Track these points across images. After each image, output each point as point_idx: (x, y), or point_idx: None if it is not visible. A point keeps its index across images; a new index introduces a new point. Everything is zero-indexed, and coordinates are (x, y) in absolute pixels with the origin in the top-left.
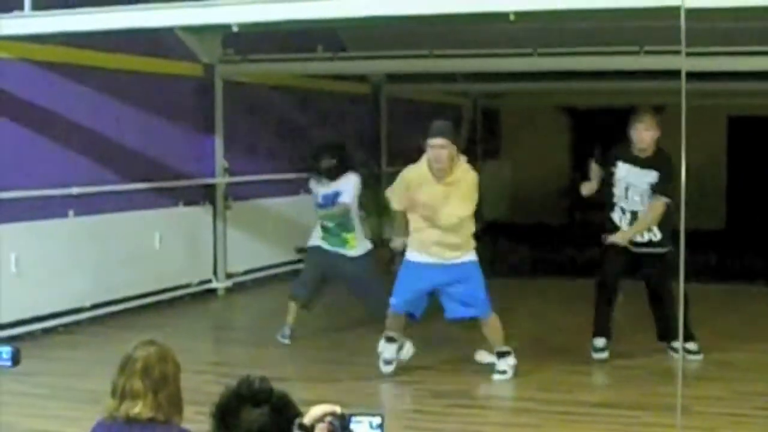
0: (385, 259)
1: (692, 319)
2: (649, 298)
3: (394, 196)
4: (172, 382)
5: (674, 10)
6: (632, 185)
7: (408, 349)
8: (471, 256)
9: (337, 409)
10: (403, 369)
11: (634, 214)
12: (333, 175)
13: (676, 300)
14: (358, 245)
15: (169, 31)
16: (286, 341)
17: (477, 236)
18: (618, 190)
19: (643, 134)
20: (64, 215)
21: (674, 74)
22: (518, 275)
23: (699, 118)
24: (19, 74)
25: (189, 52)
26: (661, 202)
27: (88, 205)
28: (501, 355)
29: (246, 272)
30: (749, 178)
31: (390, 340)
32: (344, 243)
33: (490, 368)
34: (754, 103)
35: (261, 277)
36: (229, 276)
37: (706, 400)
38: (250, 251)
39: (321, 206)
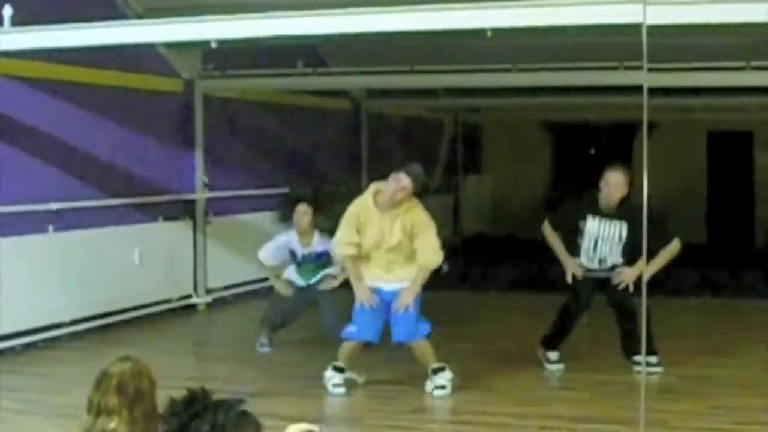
0: None
1: (657, 334)
2: (617, 316)
3: (342, 240)
4: (148, 398)
5: (636, 27)
6: (602, 238)
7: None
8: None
9: (315, 429)
10: (382, 384)
11: (603, 261)
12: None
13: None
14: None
15: (149, 46)
16: (266, 350)
17: (458, 250)
18: (586, 243)
19: (613, 192)
20: (44, 231)
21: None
22: (499, 289)
23: (680, 134)
24: None
25: (169, 67)
26: (677, 243)
27: (67, 221)
28: (435, 371)
29: (226, 288)
30: (730, 192)
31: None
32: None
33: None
34: (734, 119)
35: (241, 292)
36: (209, 292)
37: (685, 414)
38: (230, 267)
39: (299, 263)
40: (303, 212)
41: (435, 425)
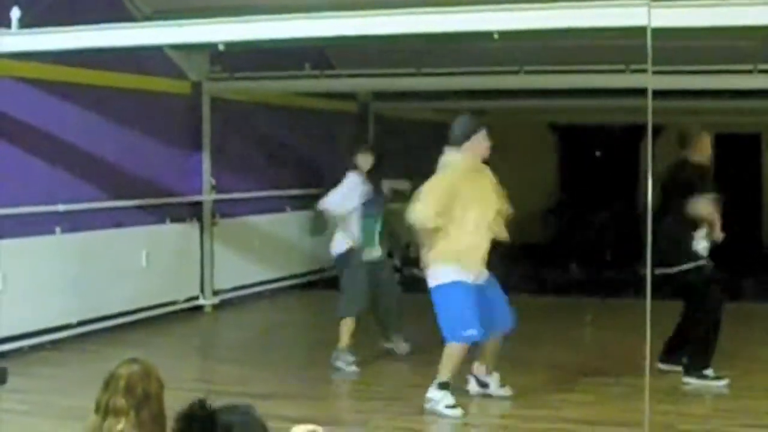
0: None
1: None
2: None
3: (428, 209)
4: (155, 400)
5: (641, 30)
6: None
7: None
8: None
9: (319, 430)
10: (389, 386)
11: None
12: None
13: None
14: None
15: (156, 48)
16: (353, 368)
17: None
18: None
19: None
20: (51, 232)
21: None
22: (506, 293)
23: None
24: (6, 92)
25: (177, 69)
26: None
27: (74, 222)
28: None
29: (233, 289)
30: (737, 194)
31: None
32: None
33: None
34: (742, 121)
35: (248, 294)
36: (216, 293)
37: (690, 417)
38: (237, 268)
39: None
40: (367, 155)
41: (443, 427)
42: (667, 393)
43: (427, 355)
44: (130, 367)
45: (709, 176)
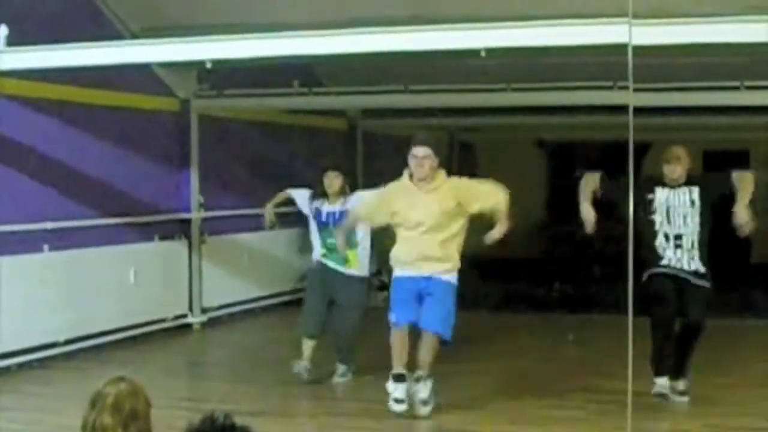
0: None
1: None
2: (682, 333)
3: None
4: (143, 418)
5: (623, 48)
6: (673, 207)
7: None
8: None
9: None
10: (379, 404)
11: (679, 238)
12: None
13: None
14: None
15: (144, 66)
16: (306, 375)
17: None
18: (659, 217)
19: (677, 166)
20: (39, 250)
21: (653, 110)
22: (494, 309)
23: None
24: None
25: (164, 87)
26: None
27: (62, 240)
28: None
29: (221, 307)
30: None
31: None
32: (346, 261)
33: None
34: (730, 138)
35: (236, 311)
36: (204, 311)
37: None
38: (225, 286)
39: (322, 223)
40: (335, 176)
41: None
42: (656, 409)
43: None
44: (117, 385)
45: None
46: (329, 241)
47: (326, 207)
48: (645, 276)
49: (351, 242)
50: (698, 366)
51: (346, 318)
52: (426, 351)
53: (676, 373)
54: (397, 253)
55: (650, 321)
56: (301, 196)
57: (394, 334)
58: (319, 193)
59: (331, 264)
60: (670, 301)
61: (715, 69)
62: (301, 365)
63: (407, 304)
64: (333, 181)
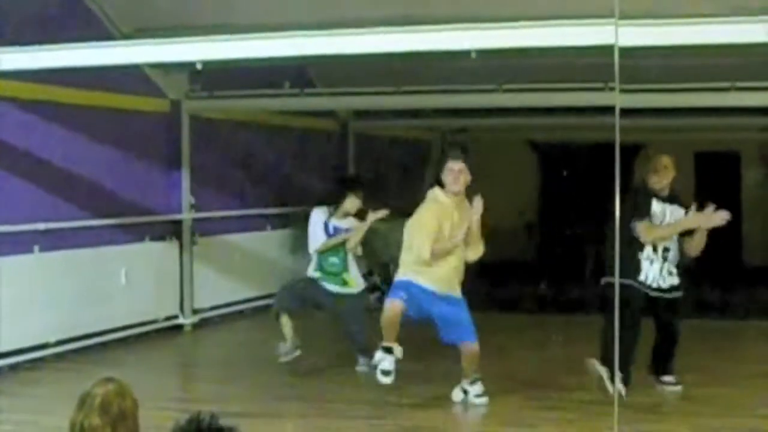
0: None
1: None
2: (661, 336)
3: (425, 243)
4: (131, 418)
5: (608, 49)
6: (667, 222)
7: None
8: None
9: None
10: (371, 405)
11: (667, 251)
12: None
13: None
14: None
15: (135, 67)
16: (289, 357)
17: None
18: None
19: (665, 175)
20: (30, 251)
21: (644, 111)
22: (486, 311)
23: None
24: None
25: (155, 87)
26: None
27: (53, 241)
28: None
29: (213, 308)
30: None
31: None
32: (344, 283)
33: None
34: (721, 139)
35: (228, 312)
36: (195, 312)
37: None
38: (216, 287)
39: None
40: (355, 199)
41: None
42: (645, 410)
43: (408, 373)
44: (105, 386)
45: (664, 196)
46: (330, 260)
47: (334, 221)
48: (606, 281)
49: (345, 265)
50: (687, 367)
51: (354, 332)
52: (473, 360)
53: (665, 372)
54: (424, 267)
55: (608, 322)
56: (318, 217)
57: (388, 308)
58: (334, 209)
59: (329, 287)
60: (638, 311)
61: (707, 70)
62: (286, 346)
63: (412, 297)
64: (354, 203)
